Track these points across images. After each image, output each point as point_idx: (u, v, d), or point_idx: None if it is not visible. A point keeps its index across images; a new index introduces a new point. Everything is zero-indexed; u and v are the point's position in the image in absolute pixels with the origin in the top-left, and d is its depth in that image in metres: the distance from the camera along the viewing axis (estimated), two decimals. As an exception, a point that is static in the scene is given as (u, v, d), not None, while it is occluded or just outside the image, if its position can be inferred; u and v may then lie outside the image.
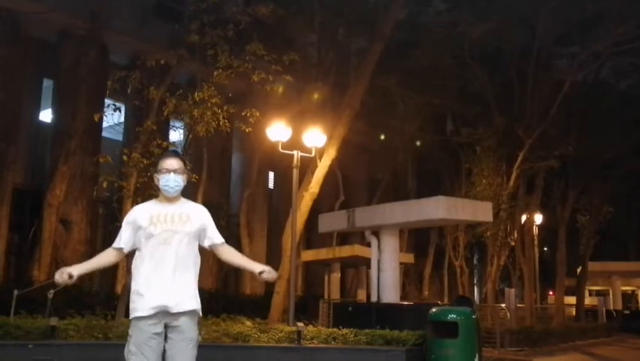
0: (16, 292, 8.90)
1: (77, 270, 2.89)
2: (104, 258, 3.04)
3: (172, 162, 3.02)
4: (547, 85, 17.24)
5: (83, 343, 7.82)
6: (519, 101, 17.24)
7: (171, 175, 2.99)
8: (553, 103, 16.52)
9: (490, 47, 17.25)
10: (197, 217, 3.04)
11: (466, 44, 16.82)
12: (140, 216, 3.01)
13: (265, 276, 2.96)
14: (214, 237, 3.07)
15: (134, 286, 2.93)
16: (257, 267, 3.01)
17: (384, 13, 14.12)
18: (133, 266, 2.97)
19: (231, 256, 3.10)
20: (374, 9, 15.53)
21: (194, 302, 2.92)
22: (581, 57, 17.64)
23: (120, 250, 3.01)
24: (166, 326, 2.88)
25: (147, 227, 2.94)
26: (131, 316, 2.89)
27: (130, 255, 3.10)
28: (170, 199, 3.03)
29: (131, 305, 2.91)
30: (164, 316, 2.86)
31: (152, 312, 2.83)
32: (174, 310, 2.85)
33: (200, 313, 2.98)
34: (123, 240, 3.01)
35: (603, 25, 16.76)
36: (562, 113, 17.41)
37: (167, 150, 3.40)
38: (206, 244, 3.06)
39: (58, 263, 13.90)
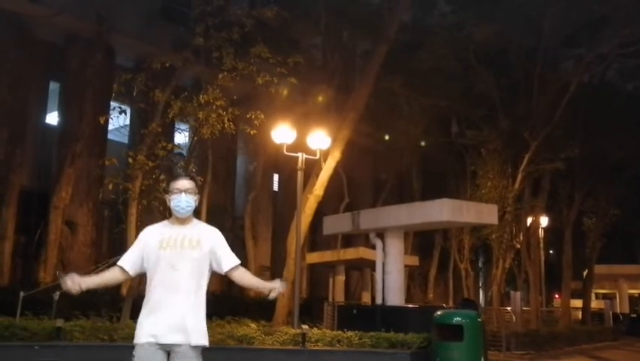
0: (22, 293, 8.94)
1: (86, 283, 2.87)
2: (111, 276, 3.01)
3: (183, 183, 3.01)
4: (553, 87, 17.16)
5: (88, 344, 7.85)
6: (524, 103, 17.16)
7: (182, 195, 2.97)
8: (559, 105, 16.44)
9: (495, 49, 17.19)
10: (208, 241, 2.99)
11: (471, 46, 16.78)
12: (150, 238, 2.99)
13: (274, 295, 2.95)
14: (223, 263, 3.01)
15: (142, 309, 2.93)
16: (266, 289, 2.97)
17: (388, 16, 14.12)
18: (146, 287, 2.97)
19: (242, 279, 3.05)
20: (378, 11, 15.54)
21: (198, 335, 2.88)
22: (587, 59, 17.54)
23: (126, 271, 2.99)
24: (170, 352, 2.87)
25: (157, 251, 2.92)
26: (134, 341, 2.88)
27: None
28: (181, 221, 3.00)
29: (137, 330, 2.90)
30: (168, 345, 2.85)
31: (155, 340, 2.83)
32: (177, 339, 2.83)
33: (206, 345, 2.93)
34: (129, 263, 2.98)
35: (609, 26, 16.68)
36: (568, 115, 17.30)
37: (179, 174, 3.36)
38: (216, 268, 3.02)
39: (64, 265, 13.98)
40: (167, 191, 3.08)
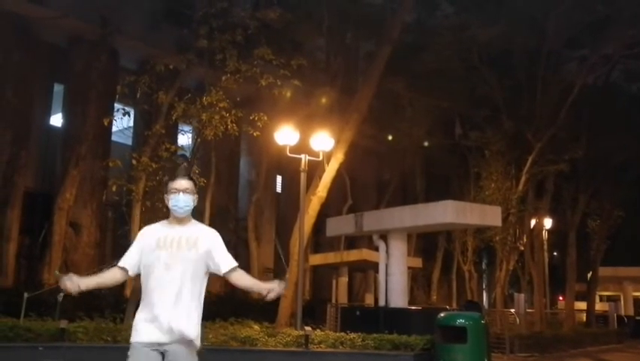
0: (26, 294, 8.98)
1: (85, 284, 2.86)
2: (110, 277, 3.00)
3: (181, 183, 3.01)
4: (556, 88, 17.11)
5: (91, 345, 7.87)
6: (528, 104, 17.11)
7: (180, 195, 2.97)
8: (563, 106, 16.38)
9: (499, 50, 17.16)
10: (205, 242, 2.97)
11: (475, 47, 16.76)
12: (148, 238, 2.98)
13: (271, 296, 2.91)
14: (220, 264, 2.97)
15: (139, 308, 2.93)
16: (263, 290, 2.93)
17: (391, 17, 14.12)
18: (142, 287, 2.97)
19: (240, 281, 3.01)
20: (382, 13, 15.55)
21: (192, 334, 2.86)
22: (591, 60, 17.49)
23: (125, 271, 2.98)
24: (164, 353, 2.86)
25: (154, 251, 2.92)
26: (131, 339, 2.88)
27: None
28: (179, 220, 2.99)
29: (132, 330, 2.90)
30: (162, 345, 2.84)
31: (149, 340, 2.82)
32: (171, 340, 2.83)
33: (199, 345, 2.92)
34: (129, 263, 2.97)
35: (614, 27, 16.62)
36: (572, 117, 17.24)
37: (177, 174, 3.34)
38: (213, 269, 2.99)
39: (67, 266, 14.02)
40: (166, 191, 3.07)
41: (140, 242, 3.00)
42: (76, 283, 2.82)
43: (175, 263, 2.87)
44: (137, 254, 2.98)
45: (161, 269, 2.87)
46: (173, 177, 3.11)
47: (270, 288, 2.91)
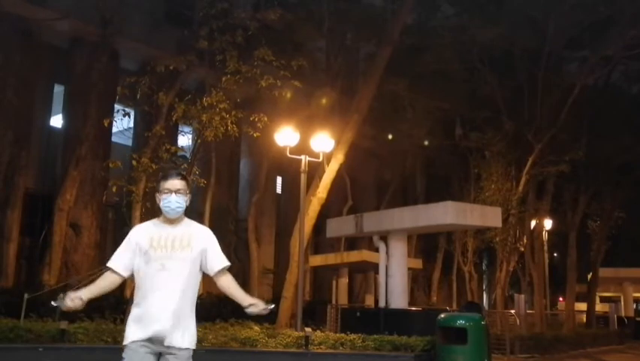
0: (26, 295, 8.98)
1: (86, 295, 2.79)
2: (107, 283, 2.91)
3: (174, 182, 2.87)
4: (557, 89, 17.12)
5: (92, 346, 7.87)
6: (529, 105, 17.12)
7: (173, 196, 2.84)
8: (564, 107, 16.38)
9: (499, 51, 17.17)
10: (198, 242, 2.90)
11: (475, 48, 16.76)
12: (139, 238, 2.88)
13: (251, 310, 2.84)
14: (213, 264, 2.92)
15: (132, 311, 2.86)
16: (246, 300, 2.87)
17: (392, 18, 14.13)
18: (135, 288, 2.89)
19: (227, 286, 2.94)
20: (382, 14, 15.56)
21: (187, 339, 2.82)
22: (592, 61, 17.49)
23: (117, 274, 2.89)
24: (160, 355, 2.81)
25: (147, 251, 2.83)
26: (124, 342, 2.81)
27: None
28: (171, 220, 2.90)
29: (126, 332, 2.83)
30: (157, 346, 2.80)
31: (143, 343, 2.77)
32: (166, 344, 2.78)
33: (194, 348, 2.87)
34: (122, 265, 2.88)
35: (614, 28, 16.62)
36: (572, 118, 17.23)
37: (171, 170, 3.13)
38: (203, 269, 2.93)
39: (68, 267, 14.02)
40: (157, 189, 2.93)
41: (132, 241, 2.90)
42: (77, 298, 2.74)
43: (169, 263, 2.80)
44: (129, 254, 2.88)
45: (155, 270, 2.79)
46: (165, 175, 2.94)
47: (253, 302, 2.85)
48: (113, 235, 15.62)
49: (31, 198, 14.90)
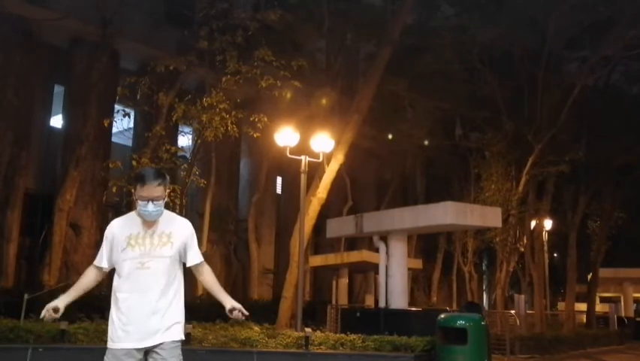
0: (26, 295, 8.97)
1: (63, 301, 2.76)
2: (88, 280, 2.88)
3: (151, 190, 2.75)
4: (557, 89, 17.12)
5: (92, 347, 7.86)
6: (529, 105, 17.12)
7: (150, 205, 2.76)
8: (564, 107, 16.38)
9: (499, 51, 17.18)
10: (178, 237, 2.84)
11: (475, 49, 16.77)
12: (117, 233, 2.83)
13: (234, 314, 2.80)
14: (191, 257, 2.88)
15: (112, 312, 2.79)
16: (228, 303, 2.82)
17: (392, 18, 14.13)
18: (113, 287, 2.81)
19: (206, 280, 2.91)
20: (382, 14, 15.56)
21: (174, 332, 2.77)
22: (592, 61, 17.49)
23: (101, 268, 2.87)
24: (146, 353, 2.75)
25: (125, 248, 2.77)
26: (108, 345, 2.75)
27: None
28: None
29: (109, 333, 2.76)
30: (141, 349, 2.74)
31: (127, 346, 2.70)
32: (152, 344, 2.72)
33: (182, 338, 2.82)
34: (104, 259, 2.85)
35: (614, 28, 16.62)
36: (572, 118, 17.24)
37: (148, 170, 2.98)
38: (184, 261, 2.90)
39: (68, 267, 14.02)
40: (133, 192, 2.82)
41: (109, 239, 2.85)
42: (51, 309, 2.71)
43: (149, 261, 2.75)
44: (109, 248, 2.84)
45: (135, 268, 2.74)
46: (142, 180, 2.79)
47: (233, 306, 2.80)
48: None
49: (31, 198, 14.90)
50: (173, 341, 2.78)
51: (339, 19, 15.58)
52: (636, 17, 15.79)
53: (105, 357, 2.75)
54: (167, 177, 2.88)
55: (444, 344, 8.32)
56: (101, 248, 2.90)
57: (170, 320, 2.78)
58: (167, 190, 2.86)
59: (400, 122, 19.26)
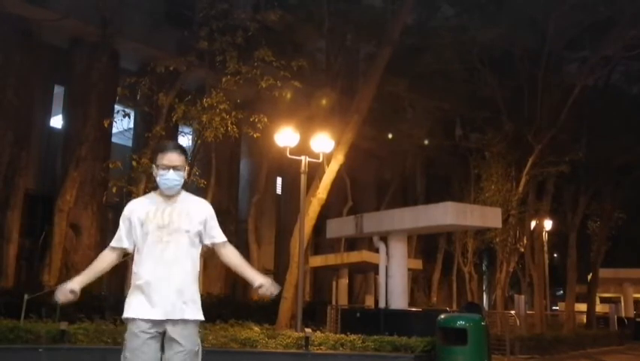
0: (26, 296, 8.98)
1: (78, 283, 2.73)
2: (103, 262, 2.86)
3: (172, 157, 2.79)
4: (557, 89, 17.12)
5: (92, 347, 7.86)
6: (529, 105, 17.13)
7: (171, 172, 2.78)
8: (564, 108, 16.38)
9: (499, 52, 17.18)
10: (198, 214, 2.84)
11: (476, 49, 16.77)
12: (136, 211, 2.82)
13: (263, 291, 2.76)
14: (215, 235, 2.87)
15: (133, 284, 2.79)
16: (257, 279, 2.79)
17: (392, 18, 14.13)
18: (133, 264, 2.82)
19: (231, 258, 2.88)
20: (382, 14, 15.56)
21: (193, 310, 2.75)
22: (592, 61, 17.50)
23: (120, 249, 2.85)
24: (164, 333, 2.73)
25: (144, 224, 2.77)
26: (124, 315, 2.74)
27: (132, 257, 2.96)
28: (168, 195, 2.84)
29: (127, 304, 2.75)
30: (160, 325, 2.72)
31: (145, 316, 2.69)
32: (171, 317, 2.70)
33: (202, 318, 2.81)
34: (124, 238, 2.84)
35: (614, 28, 16.62)
36: (572, 118, 17.24)
37: (169, 141, 3.04)
38: (206, 241, 2.87)
39: (68, 268, 14.01)
40: (154, 162, 2.84)
41: (128, 213, 2.85)
42: (68, 290, 2.68)
43: (169, 236, 2.74)
44: (129, 227, 2.83)
45: (155, 243, 2.74)
46: (163, 148, 2.84)
47: (263, 283, 2.77)
48: (113, 235, 15.55)
49: (31, 198, 14.90)
50: (195, 321, 2.78)
51: (339, 19, 15.59)
52: (636, 17, 15.79)
53: (125, 335, 2.75)
54: (187, 152, 2.92)
55: (444, 345, 8.32)
56: (119, 229, 2.87)
57: (189, 296, 2.76)
58: (186, 169, 2.86)
59: (400, 122, 19.26)
